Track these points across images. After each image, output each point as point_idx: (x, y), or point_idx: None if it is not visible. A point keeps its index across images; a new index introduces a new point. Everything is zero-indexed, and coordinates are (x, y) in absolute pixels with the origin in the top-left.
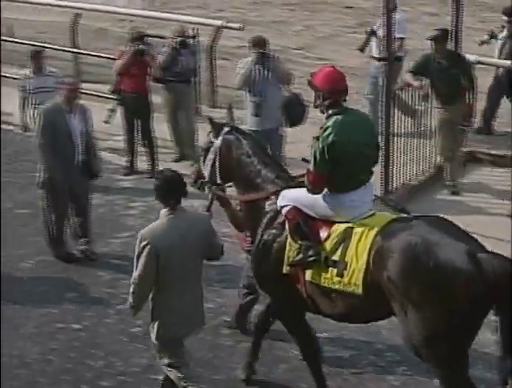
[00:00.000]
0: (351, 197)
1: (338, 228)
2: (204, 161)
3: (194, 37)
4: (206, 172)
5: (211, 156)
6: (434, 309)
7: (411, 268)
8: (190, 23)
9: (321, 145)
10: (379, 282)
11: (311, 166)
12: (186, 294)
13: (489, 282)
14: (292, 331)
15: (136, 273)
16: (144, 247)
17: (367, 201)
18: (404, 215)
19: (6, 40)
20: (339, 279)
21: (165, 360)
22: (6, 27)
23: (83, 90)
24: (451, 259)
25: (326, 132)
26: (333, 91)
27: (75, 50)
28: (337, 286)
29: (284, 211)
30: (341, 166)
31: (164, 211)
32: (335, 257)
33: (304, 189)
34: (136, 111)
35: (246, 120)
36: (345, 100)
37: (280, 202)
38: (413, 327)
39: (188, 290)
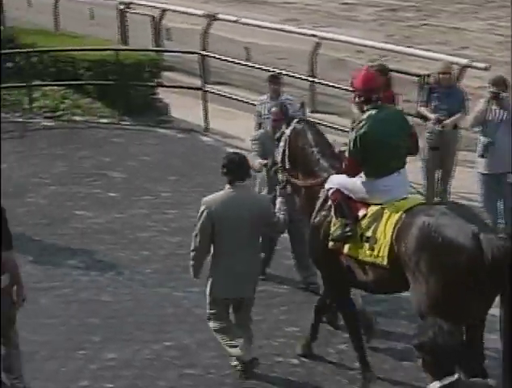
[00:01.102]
0: (384, 183)
1: (373, 209)
2: (278, 150)
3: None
4: (278, 158)
5: (282, 144)
6: (438, 279)
7: (422, 242)
8: (432, 59)
9: (354, 135)
10: (399, 255)
11: (346, 153)
12: (238, 261)
13: (488, 260)
14: (339, 305)
15: (194, 232)
16: (202, 212)
17: (399, 186)
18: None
19: (244, 64)
20: (370, 252)
21: (211, 312)
22: (246, 51)
23: (318, 121)
24: (456, 237)
25: (360, 125)
26: (366, 90)
27: (313, 79)
28: (368, 258)
29: (329, 193)
30: (373, 154)
31: (227, 186)
32: (368, 233)
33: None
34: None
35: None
36: (379, 98)
37: (327, 185)
38: (420, 296)
39: (241, 258)
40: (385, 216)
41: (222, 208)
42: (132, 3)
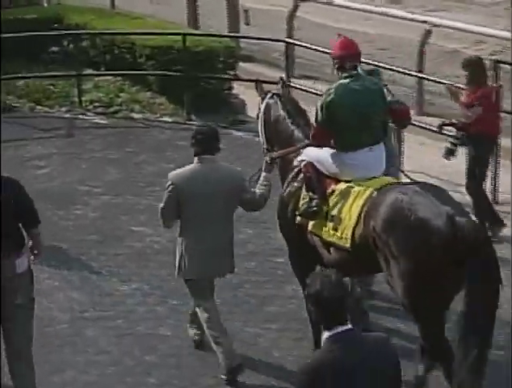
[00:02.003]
0: (352, 156)
1: (341, 186)
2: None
3: None
4: (260, 138)
5: (258, 121)
6: (410, 261)
7: (394, 221)
8: None
9: (320, 103)
10: (367, 235)
11: (315, 121)
12: (208, 239)
13: (461, 244)
14: (303, 282)
15: (159, 206)
16: (167, 187)
17: (371, 163)
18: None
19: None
20: (333, 232)
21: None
22: None
23: (417, 124)
24: (429, 217)
25: (329, 92)
26: (340, 56)
27: (420, 75)
28: (331, 239)
29: (302, 165)
30: (340, 125)
31: (195, 158)
32: (334, 212)
33: (324, 149)
34: (479, 156)
35: None
36: (355, 66)
37: (300, 157)
38: (394, 278)
39: (211, 236)
40: (352, 195)
41: (188, 183)
42: None
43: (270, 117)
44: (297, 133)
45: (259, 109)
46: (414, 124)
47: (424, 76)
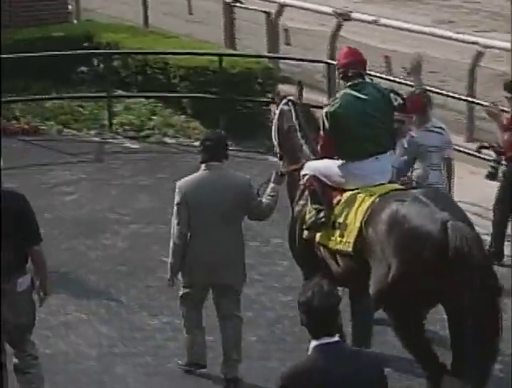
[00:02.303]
0: (357, 166)
1: (347, 194)
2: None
3: None
4: (274, 142)
5: (272, 127)
6: (400, 265)
7: (389, 228)
8: None
9: (325, 112)
10: (367, 240)
11: (321, 131)
12: (213, 246)
13: (452, 249)
14: None
15: (174, 220)
16: (177, 193)
17: (377, 173)
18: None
19: (384, 78)
20: (340, 239)
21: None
22: (386, 61)
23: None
24: (422, 224)
25: (333, 101)
26: (345, 65)
27: (469, 99)
28: (338, 246)
29: (304, 179)
30: (346, 135)
31: (202, 166)
32: (340, 220)
33: (325, 160)
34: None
35: None
36: (359, 75)
37: (303, 171)
38: (379, 280)
39: (216, 242)
40: (358, 201)
41: (195, 190)
42: None
43: (283, 124)
44: (305, 149)
45: (273, 114)
46: (464, 152)
47: (474, 100)
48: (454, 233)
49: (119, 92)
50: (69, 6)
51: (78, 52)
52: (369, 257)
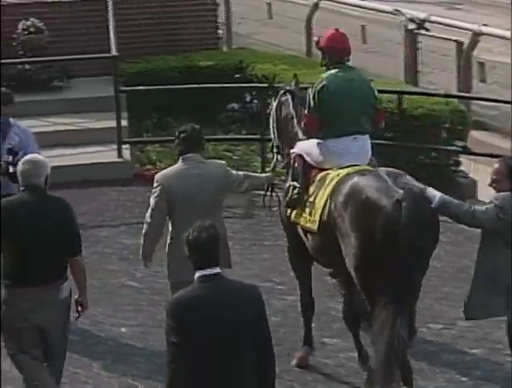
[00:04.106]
0: (335, 144)
1: (321, 174)
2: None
3: None
4: (271, 135)
5: (270, 119)
6: (358, 238)
7: (347, 200)
8: None
9: (312, 90)
10: (330, 216)
11: (305, 110)
12: None
13: (404, 226)
14: (299, 278)
15: (148, 211)
16: (155, 188)
17: (354, 153)
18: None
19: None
20: (309, 217)
21: None
22: None
23: None
24: (378, 198)
25: (320, 80)
26: (334, 50)
27: None
28: (307, 224)
29: (292, 157)
30: (329, 112)
31: (180, 159)
32: (311, 199)
33: (311, 140)
34: None
35: None
36: (345, 60)
37: (292, 150)
38: (348, 255)
39: None
40: (327, 180)
41: (175, 183)
42: (428, 21)
43: (281, 115)
44: (301, 136)
45: (271, 107)
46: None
47: None
48: (408, 211)
49: None
50: (219, 31)
51: (228, 85)
52: (335, 232)
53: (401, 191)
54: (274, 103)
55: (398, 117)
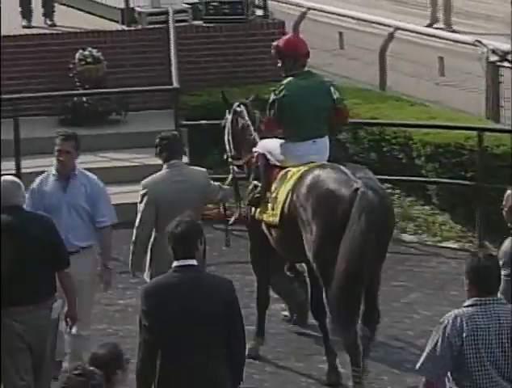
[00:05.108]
0: (296, 147)
1: (282, 172)
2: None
3: None
4: (226, 146)
5: (226, 130)
6: (318, 227)
7: (309, 191)
8: None
9: (273, 99)
10: (292, 208)
11: (266, 113)
12: None
13: (360, 214)
14: (259, 275)
15: (137, 220)
16: (143, 196)
17: (313, 154)
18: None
19: None
20: (271, 212)
21: None
22: None
23: None
24: (336, 189)
25: (280, 88)
26: (296, 56)
27: None
28: (269, 219)
29: (254, 155)
30: (289, 119)
31: (164, 165)
32: (273, 195)
33: (273, 140)
34: None
35: None
36: (302, 65)
37: (255, 149)
38: (308, 242)
39: None
40: (288, 176)
41: (161, 188)
42: None
43: (238, 125)
44: (257, 139)
45: (225, 120)
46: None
47: None
48: (361, 199)
49: None
50: None
51: None
52: (297, 222)
53: (360, 181)
54: (229, 116)
55: (478, 156)
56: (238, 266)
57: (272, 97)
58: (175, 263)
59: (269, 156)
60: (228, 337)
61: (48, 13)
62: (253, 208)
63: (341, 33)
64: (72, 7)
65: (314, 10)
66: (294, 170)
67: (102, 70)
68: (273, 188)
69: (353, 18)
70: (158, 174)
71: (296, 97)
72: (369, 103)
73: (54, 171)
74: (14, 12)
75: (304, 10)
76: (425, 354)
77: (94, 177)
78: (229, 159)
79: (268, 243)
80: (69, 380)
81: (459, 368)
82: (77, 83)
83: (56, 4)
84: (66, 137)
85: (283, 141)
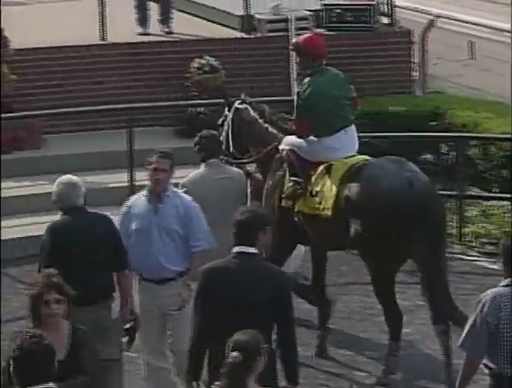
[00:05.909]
0: (330, 140)
1: (322, 166)
2: (221, 135)
3: None
4: (224, 145)
5: (225, 128)
6: (371, 217)
7: (363, 191)
8: None
9: (300, 100)
10: (344, 205)
11: (294, 116)
12: (220, 240)
13: (418, 204)
14: (277, 261)
15: None
16: (184, 193)
17: (346, 145)
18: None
19: None
20: (318, 205)
21: None
22: None
23: None
24: (391, 184)
25: (304, 88)
26: (315, 56)
27: None
28: (316, 212)
29: (283, 153)
30: (318, 116)
31: (202, 164)
32: (317, 188)
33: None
34: None
35: None
36: (320, 65)
37: (281, 146)
38: (357, 239)
39: (223, 237)
40: (333, 171)
41: (200, 186)
42: None
43: (242, 120)
44: (271, 130)
45: (225, 116)
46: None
47: None
48: (419, 190)
49: (475, 191)
50: (414, 73)
51: (421, 134)
52: (347, 216)
53: (409, 174)
54: (230, 114)
55: None
56: (357, 286)
57: (299, 100)
58: (234, 249)
59: (299, 152)
60: (277, 325)
61: (165, 20)
62: (289, 202)
63: (471, 42)
64: (189, 14)
65: (444, 17)
66: (338, 164)
67: (220, 79)
68: (313, 182)
69: (485, 26)
70: (197, 172)
71: (320, 93)
72: (500, 117)
73: (146, 192)
74: (127, 19)
75: (432, 17)
76: (465, 331)
77: (189, 198)
78: (225, 157)
79: (297, 232)
80: (23, 342)
81: (494, 345)
82: (194, 93)
83: (173, 10)
84: (163, 155)
85: (311, 138)
